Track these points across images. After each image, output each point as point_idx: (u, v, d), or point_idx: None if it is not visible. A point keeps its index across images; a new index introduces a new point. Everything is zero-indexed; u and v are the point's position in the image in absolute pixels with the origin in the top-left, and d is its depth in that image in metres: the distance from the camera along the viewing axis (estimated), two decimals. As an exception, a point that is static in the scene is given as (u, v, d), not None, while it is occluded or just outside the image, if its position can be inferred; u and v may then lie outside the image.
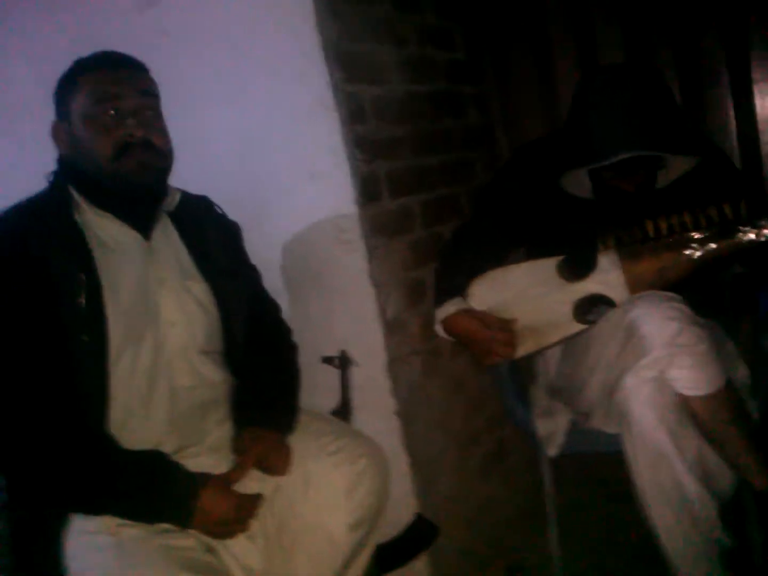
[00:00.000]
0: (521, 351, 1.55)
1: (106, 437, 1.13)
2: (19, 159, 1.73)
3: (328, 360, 1.53)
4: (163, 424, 1.19)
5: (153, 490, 1.08)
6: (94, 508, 1.09)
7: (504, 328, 1.53)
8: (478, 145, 2.08)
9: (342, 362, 1.53)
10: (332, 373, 1.53)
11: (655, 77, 1.50)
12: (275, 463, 1.22)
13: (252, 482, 1.21)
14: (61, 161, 1.24)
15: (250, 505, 1.15)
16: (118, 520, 1.08)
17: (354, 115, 1.55)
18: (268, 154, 1.59)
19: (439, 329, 1.62)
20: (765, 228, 1.36)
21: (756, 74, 2.04)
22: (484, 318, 1.55)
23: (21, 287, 1.11)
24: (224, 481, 1.14)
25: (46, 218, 1.16)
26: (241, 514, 1.13)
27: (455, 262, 1.65)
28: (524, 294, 1.56)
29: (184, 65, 1.55)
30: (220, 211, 1.40)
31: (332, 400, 1.50)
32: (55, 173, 1.24)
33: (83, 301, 1.11)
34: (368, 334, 1.58)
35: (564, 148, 1.53)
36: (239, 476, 1.17)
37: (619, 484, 1.46)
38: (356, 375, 1.53)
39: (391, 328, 1.60)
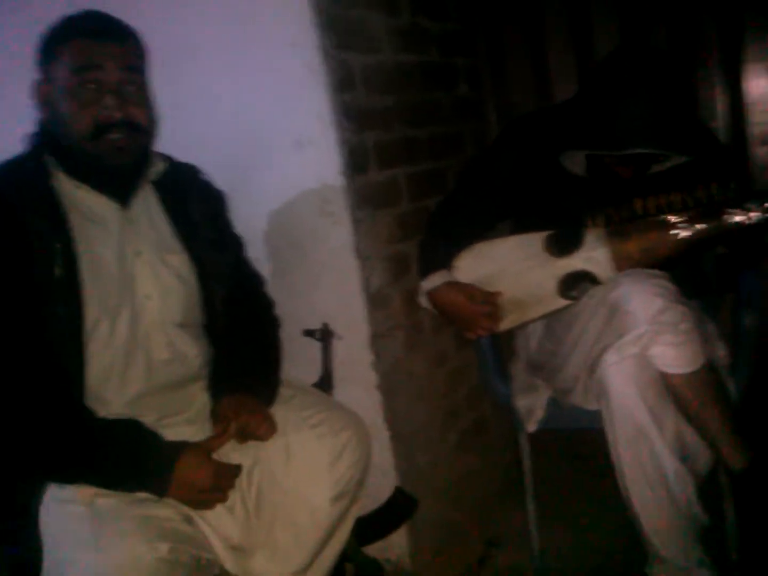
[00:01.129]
0: (505, 324, 1.56)
1: (82, 407, 1.12)
2: (9, 123, 1.68)
3: (309, 333, 1.52)
4: (140, 396, 1.18)
5: (129, 458, 1.07)
6: (70, 476, 1.07)
7: (488, 301, 1.53)
8: (467, 119, 2.05)
9: (324, 335, 1.51)
10: (314, 346, 1.52)
11: (676, 70, 1.47)
12: (258, 429, 1.20)
13: (232, 453, 1.20)
14: (40, 126, 1.21)
15: (228, 474, 1.14)
16: (93, 490, 1.06)
17: (343, 83, 1.53)
18: (256, 120, 1.56)
19: (423, 300, 1.61)
20: (752, 211, 1.36)
21: (747, 54, 2.03)
22: (469, 291, 1.54)
23: None
24: (203, 449, 1.13)
25: (22, 185, 1.14)
26: (219, 482, 1.12)
27: (441, 233, 1.64)
28: (510, 268, 1.55)
29: (174, 29, 1.51)
30: (207, 179, 1.37)
31: (314, 373, 1.49)
32: (34, 138, 1.21)
33: (59, 270, 1.10)
34: (351, 308, 1.57)
35: (569, 124, 1.51)
36: (219, 443, 1.16)
37: (597, 460, 1.47)
38: (338, 348, 1.52)
39: (374, 301, 1.59)
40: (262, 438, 1.21)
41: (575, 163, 1.54)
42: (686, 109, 1.47)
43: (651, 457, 1.32)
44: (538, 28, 2.19)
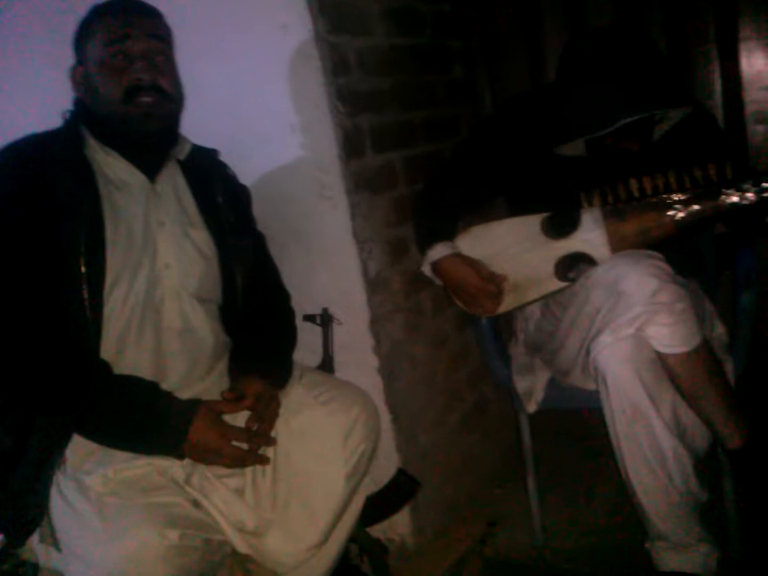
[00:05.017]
0: (502, 307, 1.56)
1: (99, 360, 1.15)
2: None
3: (309, 318, 1.53)
4: (151, 363, 1.21)
5: (145, 413, 1.10)
6: (86, 424, 1.11)
7: (494, 281, 1.54)
8: (462, 101, 2.04)
9: (324, 320, 1.52)
10: (314, 331, 1.53)
11: (643, 37, 1.48)
12: (264, 412, 1.22)
13: None
14: (76, 102, 1.28)
15: (234, 436, 1.16)
16: (100, 488, 1.09)
17: (337, 67, 1.52)
18: (249, 105, 1.56)
19: (426, 269, 1.60)
20: (748, 191, 1.36)
21: (743, 32, 2.02)
22: (476, 266, 1.54)
23: (27, 207, 1.13)
24: (214, 409, 1.16)
25: (57, 150, 1.20)
26: (225, 445, 1.14)
27: (436, 203, 1.63)
28: (507, 250, 1.55)
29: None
30: (232, 173, 1.42)
31: (314, 358, 1.51)
32: (70, 112, 1.28)
33: (84, 229, 1.14)
34: (350, 292, 1.58)
35: (558, 118, 1.50)
36: (230, 409, 1.19)
37: (596, 439, 1.49)
38: (338, 333, 1.53)
39: (373, 285, 1.60)
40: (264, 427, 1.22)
41: (572, 146, 1.53)
42: (663, 67, 1.45)
43: (648, 436, 1.33)
44: (533, 9, 2.17)
